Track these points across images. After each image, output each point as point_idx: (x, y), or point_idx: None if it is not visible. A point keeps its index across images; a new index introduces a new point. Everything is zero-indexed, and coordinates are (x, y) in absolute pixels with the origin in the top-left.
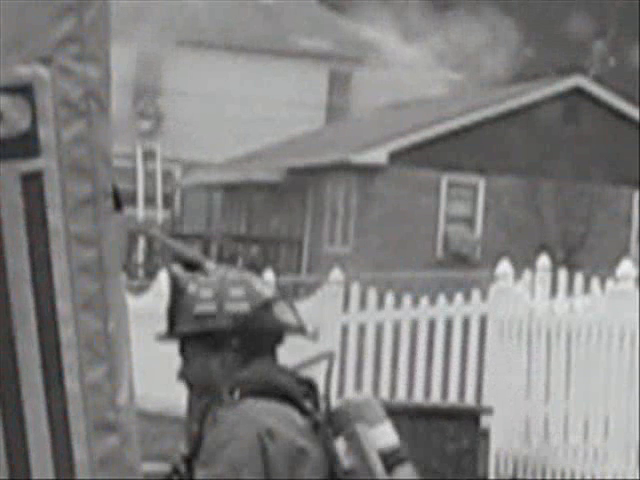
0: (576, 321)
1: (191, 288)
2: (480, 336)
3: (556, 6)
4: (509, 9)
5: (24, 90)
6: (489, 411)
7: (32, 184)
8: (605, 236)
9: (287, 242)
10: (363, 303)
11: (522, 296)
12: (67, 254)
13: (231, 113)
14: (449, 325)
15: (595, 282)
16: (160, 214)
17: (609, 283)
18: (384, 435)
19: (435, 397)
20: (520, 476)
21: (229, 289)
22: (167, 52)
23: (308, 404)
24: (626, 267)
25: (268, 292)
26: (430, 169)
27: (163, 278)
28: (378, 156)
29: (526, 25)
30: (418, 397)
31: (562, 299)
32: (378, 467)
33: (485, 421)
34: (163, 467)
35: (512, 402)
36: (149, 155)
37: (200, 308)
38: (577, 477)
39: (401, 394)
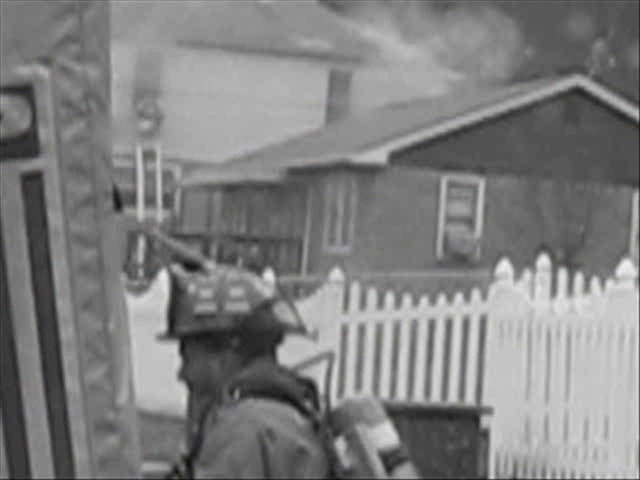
0: (576, 321)
1: (191, 288)
2: (480, 336)
3: (556, 6)
4: (509, 9)
5: (24, 90)
6: (489, 411)
7: (32, 184)
8: (605, 236)
9: (287, 242)
10: (363, 303)
11: (522, 296)
12: (67, 254)
13: (231, 113)
14: (449, 325)
15: (595, 282)
16: (160, 214)
17: (609, 283)
18: (384, 435)
19: (435, 397)
20: (520, 476)
21: (229, 289)
22: (167, 52)
23: (308, 404)
24: (626, 267)
25: (268, 292)
26: (430, 169)
27: (163, 278)
28: (378, 156)
29: (526, 25)
30: (418, 397)
31: (562, 299)
32: (378, 467)
33: (485, 421)
34: (163, 467)
35: (512, 402)
36: (149, 155)
37: (200, 308)
38: (577, 477)
39: (401, 394)
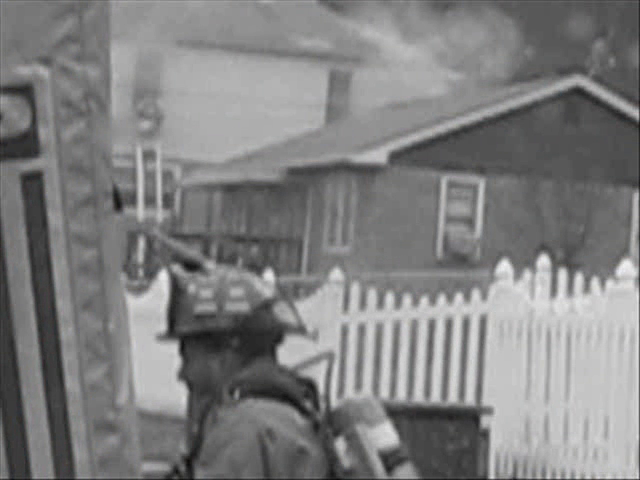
0: (576, 321)
1: (191, 288)
2: (480, 336)
3: (556, 6)
4: (509, 9)
5: (24, 90)
6: (489, 411)
7: (32, 184)
8: (605, 236)
9: (287, 242)
10: (363, 303)
11: (522, 296)
12: (67, 254)
13: (231, 113)
14: (449, 325)
15: (595, 282)
16: (160, 214)
17: (609, 283)
18: (384, 435)
19: (435, 397)
20: (520, 476)
21: (229, 289)
22: (167, 52)
23: (308, 404)
24: (626, 267)
25: (268, 292)
26: (430, 169)
27: (163, 278)
28: (378, 156)
29: (526, 25)
30: (418, 397)
31: (562, 299)
32: (378, 467)
33: (485, 421)
34: (163, 467)
35: (512, 402)
36: (149, 155)
37: (200, 308)
38: (577, 477)
39: (401, 394)
